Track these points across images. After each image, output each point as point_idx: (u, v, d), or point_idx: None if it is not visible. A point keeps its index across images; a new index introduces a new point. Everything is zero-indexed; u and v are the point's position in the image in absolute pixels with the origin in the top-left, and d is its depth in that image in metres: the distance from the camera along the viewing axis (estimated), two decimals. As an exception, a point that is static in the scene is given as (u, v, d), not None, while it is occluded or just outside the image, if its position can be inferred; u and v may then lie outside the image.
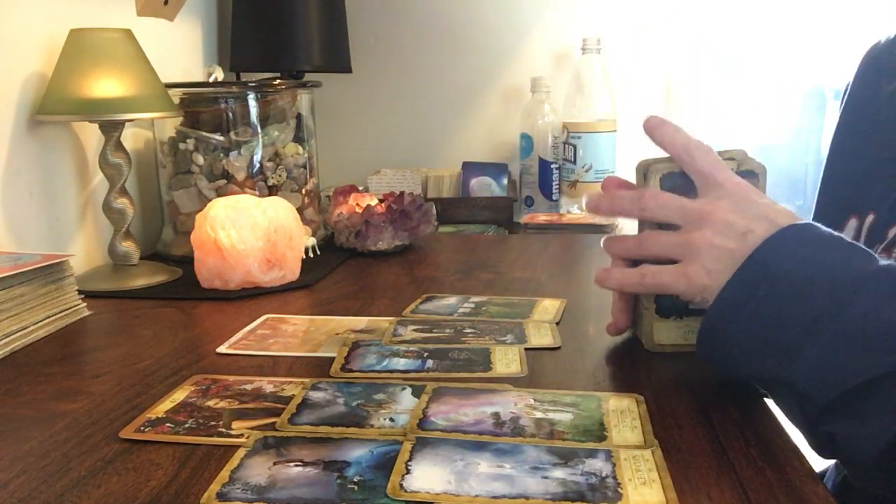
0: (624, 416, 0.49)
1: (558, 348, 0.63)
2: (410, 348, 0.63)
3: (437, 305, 0.76)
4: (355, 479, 0.42)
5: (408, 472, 0.42)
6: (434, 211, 1.16)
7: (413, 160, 1.63)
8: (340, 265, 0.96)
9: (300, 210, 1.02)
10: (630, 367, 0.60)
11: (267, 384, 0.56)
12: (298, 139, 1.07)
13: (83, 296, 0.77)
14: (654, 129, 0.57)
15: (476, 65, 1.62)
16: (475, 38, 1.61)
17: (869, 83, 0.71)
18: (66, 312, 0.74)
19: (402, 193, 1.04)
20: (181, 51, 1.32)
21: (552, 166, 1.52)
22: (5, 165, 0.85)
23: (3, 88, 0.85)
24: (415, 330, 0.68)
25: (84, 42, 0.87)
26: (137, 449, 0.47)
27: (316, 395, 0.54)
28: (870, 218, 0.64)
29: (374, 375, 0.58)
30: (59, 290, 0.73)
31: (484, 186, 1.55)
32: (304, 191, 1.06)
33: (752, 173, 0.57)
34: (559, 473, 0.42)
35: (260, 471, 0.43)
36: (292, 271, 0.86)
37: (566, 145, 1.49)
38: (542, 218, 1.43)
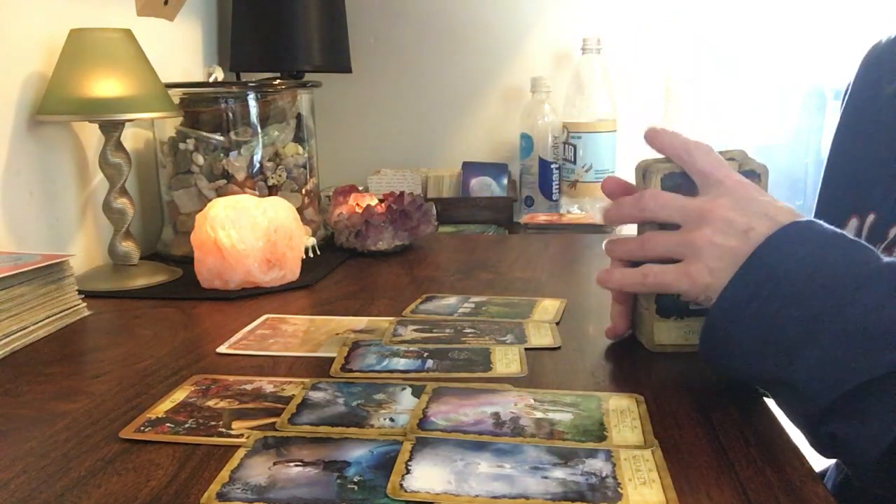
0: (624, 416, 0.49)
1: (558, 348, 0.63)
2: (410, 348, 0.63)
3: (437, 305, 0.76)
4: (355, 479, 0.42)
5: (408, 472, 0.42)
6: (434, 211, 1.16)
7: (413, 160, 1.63)
8: (340, 265, 0.96)
9: (300, 210, 1.02)
10: (630, 367, 0.60)
11: (267, 384, 0.56)
12: (298, 139, 1.07)
13: (83, 296, 0.77)
14: (654, 137, 0.57)
15: (476, 65, 1.62)
16: (475, 38, 1.61)
17: (870, 83, 0.71)
18: (66, 312, 0.74)
19: (402, 193, 1.04)
20: (181, 51, 1.32)
21: (552, 166, 1.52)
22: (5, 165, 0.85)
23: (3, 88, 0.85)
24: (415, 330, 0.68)
25: (84, 42, 0.87)
26: (137, 449, 0.47)
27: (316, 395, 0.54)
28: (871, 218, 0.64)
29: (374, 375, 0.58)
30: (59, 290, 0.73)
31: (484, 186, 1.55)
32: (304, 191, 1.06)
33: (753, 173, 0.57)
34: (559, 473, 0.42)
35: (260, 471, 0.43)
36: (292, 271, 0.86)
37: (566, 145, 1.49)
38: (542, 218, 1.43)
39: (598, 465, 0.43)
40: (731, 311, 0.49)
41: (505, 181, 1.56)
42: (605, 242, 0.59)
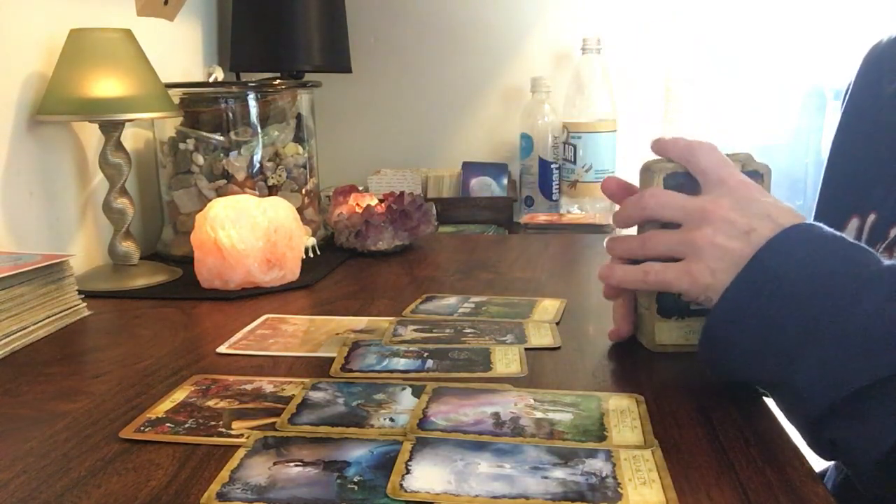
0: (624, 416, 0.49)
1: (558, 348, 0.63)
2: (410, 348, 0.63)
3: (437, 305, 0.76)
4: (355, 479, 0.42)
5: (408, 472, 0.42)
6: (434, 211, 1.16)
7: (413, 160, 1.63)
8: (340, 265, 0.96)
9: (300, 210, 1.02)
10: (630, 367, 0.60)
11: (267, 384, 0.56)
12: (298, 139, 1.07)
13: (83, 296, 0.77)
14: (658, 144, 0.58)
15: (476, 65, 1.62)
16: (475, 38, 1.61)
17: (870, 83, 0.71)
18: (66, 312, 0.74)
19: (402, 193, 1.04)
20: (181, 51, 1.32)
21: (552, 166, 1.52)
22: (5, 165, 0.85)
23: (3, 88, 0.85)
24: (415, 330, 0.68)
25: (84, 42, 0.87)
26: (137, 449, 0.47)
27: (316, 395, 0.54)
28: (871, 217, 0.64)
29: (374, 375, 0.58)
30: (59, 290, 0.73)
31: (484, 186, 1.55)
32: (304, 191, 1.06)
33: (756, 174, 0.57)
34: (559, 473, 0.42)
35: (260, 471, 0.43)
36: (292, 271, 0.86)
37: (566, 145, 1.49)
38: (542, 218, 1.43)
39: (598, 465, 0.43)
40: (731, 313, 0.49)
41: (505, 181, 1.56)
42: (606, 240, 0.59)
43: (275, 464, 0.44)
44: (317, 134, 1.13)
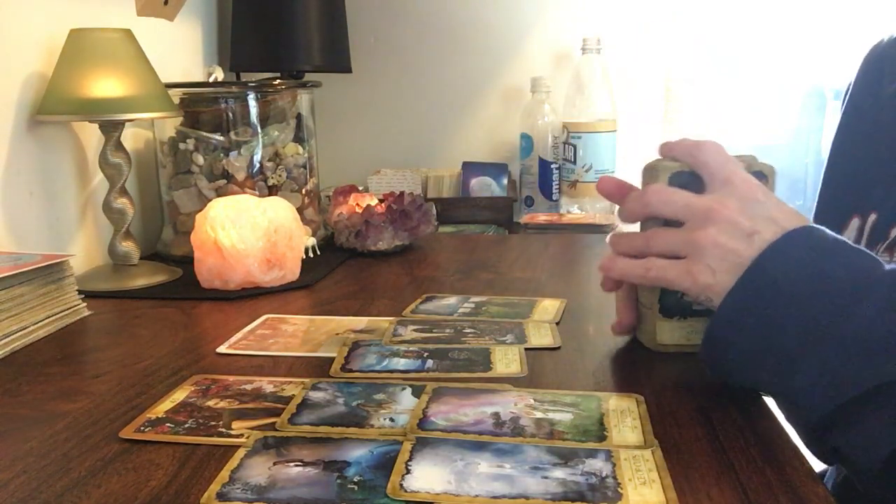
0: (624, 416, 0.49)
1: (558, 348, 0.63)
2: (410, 348, 0.63)
3: (437, 305, 0.76)
4: (355, 479, 0.42)
5: (408, 472, 0.42)
6: (434, 211, 1.16)
7: (413, 160, 1.63)
8: (340, 265, 0.96)
9: (300, 210, 1.02)
10: (630, 367, 0.60)
11: (267, 384, 0.56)
12: (298, 139, 1.07)
13: (83, 296, 0.77)
14: (665, 147, 0.58)
15: (476, 65, 1.62)
16: (475, 38, 1.61)
17: (870, 83, 0.71)
18: (66, 312, 0.74)
19: (402, 193, 1.04)
20: (181, 51, 1.32)
21: (552, 166, 1.52)
22: (5, 165, 0.85)
23: (3, 88, 0.85)
24: (415, 330, 0.68)
25: (84, 42, 0.87)
26: (137, 449, 0.47)
27: (316, 395, 0.54)
28: (872, 217, 0.64)
29: (374, 375, 0.58)
30: (59, 290, 0.73)
31: (484, 186, 1.55)
32: (304, 191, 1.06)
33: (760, 174, 0.57)
34: (559, 473, 0.42)
35: (260, 471, 0.43)
36: (292, 271, 0.86)
37: (566, 145, 1.49)
38: (542, 218, 1.43)
39: (598, 465, 0.43)
40: (732, 318, 0.49)
41: (505, 181, 1.56)
42: (609, 237, 0.59)
43: (275, 464, 0.44)
44: (317, 134, 1.13)
